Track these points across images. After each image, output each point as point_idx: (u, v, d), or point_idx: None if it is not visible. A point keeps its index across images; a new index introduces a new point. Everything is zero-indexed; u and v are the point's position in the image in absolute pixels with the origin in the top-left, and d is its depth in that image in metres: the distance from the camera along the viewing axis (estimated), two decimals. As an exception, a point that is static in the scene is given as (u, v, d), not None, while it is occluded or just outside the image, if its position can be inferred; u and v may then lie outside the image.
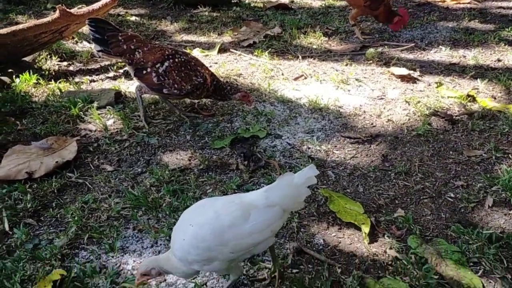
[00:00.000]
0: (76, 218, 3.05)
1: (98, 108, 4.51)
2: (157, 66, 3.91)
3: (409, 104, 4.54)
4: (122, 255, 2.82)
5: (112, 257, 2.81)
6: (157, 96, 4.50)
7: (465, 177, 3.47)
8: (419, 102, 4.54)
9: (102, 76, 5.39)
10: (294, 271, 2.69)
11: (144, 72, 3.93)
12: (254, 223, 2.19)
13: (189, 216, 2.28)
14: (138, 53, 3.93)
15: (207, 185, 3.46)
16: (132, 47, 3.92)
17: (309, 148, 3.91)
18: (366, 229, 2.92)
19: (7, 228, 3.02)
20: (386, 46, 6.02)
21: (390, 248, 2.82)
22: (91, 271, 2.66)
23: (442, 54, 5.74)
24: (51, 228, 3.05)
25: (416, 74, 5.13)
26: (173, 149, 3.92)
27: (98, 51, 3.97)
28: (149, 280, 2.38)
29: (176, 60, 3.97)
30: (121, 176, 3.57)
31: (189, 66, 3.99)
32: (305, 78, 5.22)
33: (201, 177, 3.56)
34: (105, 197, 3.32)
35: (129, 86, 5.03)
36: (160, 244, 2.91)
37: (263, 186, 3.41)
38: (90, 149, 3.92)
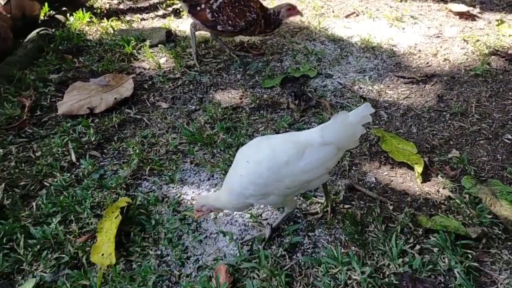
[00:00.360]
0: (137, 151, 3.22)
1: (151, 46, 4.58)
2: (211, 2, 3.89)
3: (467, 43, 4.36)
4: (182, 186, 2.98)
5: (173, 188, 2.97)
6: (208, 34, 4.51)
7: (524, 119, 3.38)
8: (478, 40, 4.35)
9: (151, 15, 5.43)
10: (346, 206, 2.77)
11: (198, 8, 3.93)
12: (308, 161, 2.23)
13: (246, 154, 2.33)
14: (191, -11, 3.92)
15: (258, 123, 3.53)
16: (186, -17, 3.91)
17: (360, 88, 3.87)
18: (419, 168, 2.93)
19: (74, 159, 3.22)
20: (444, -19, 5.70)
21: (444, 188, 2.84)
22: (154, 200, 2.84)
23: (505, -10, 5.39)
24: (115, 160, 3.23)
25: (475, 11, 4.88)
26: (225, 88, 3.98)
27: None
28: (203, 215, 2.50)
29: None
30: (176, 113, 3.68)
31: (243, 2, 3.95)
32: (357, 15, 5.07)
33: (252, 116, 3.63)
34: (163, 133, 3.46)
35: (179, 25, 5.05)
36: (216, 178, 3.04)
37: (314, 125, 3.45)
38: (145, 87, 4.04)
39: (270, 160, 2.22)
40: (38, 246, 2.59)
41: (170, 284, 2.40)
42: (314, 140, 2.26)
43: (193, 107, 3.76)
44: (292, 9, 4.07)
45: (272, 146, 2.27)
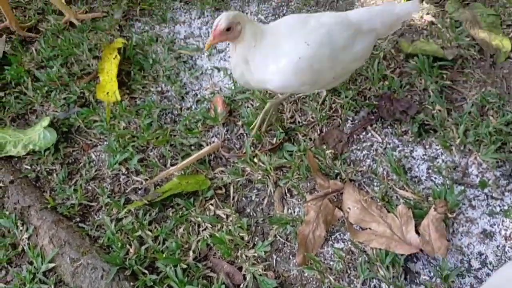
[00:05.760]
0: (125, -9, 3.21)
1: None
2: None
3: None
4: (174, 26, 3.06)
5: (165, 27, 3.06)
6: None
7: None
8: None
9: None
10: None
11: None
12: (360, 47, 2.12)
13: (299, 31, 2.05)
14: None
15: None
16: None
17: None
18: (405, -5, 2.98)
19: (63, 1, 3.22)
20: None
21: (427, 14, 2.94)
22: (149, 40, 2.95)
23: None
24: (104, 1, 3.24)
25: None
26: None
27: None
28: (223, 41, 2.05)
29: None
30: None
31: None
32: None
33: None
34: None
35: None
36: (207, 16, 3.10)
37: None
38: None
39: (330, 44, 2.03)
40: (46, 88, 2.78)
41: (173, 116, 2.66)
42: (363, 24, 2.12)
43: None
44: None
45: (327, 28, 2.05)
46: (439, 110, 2.45)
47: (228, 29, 1.95)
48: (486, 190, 2.19)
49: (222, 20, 1.94)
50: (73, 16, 3.04)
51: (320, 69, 2.05)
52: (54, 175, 2.45)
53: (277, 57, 2.01)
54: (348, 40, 2.07)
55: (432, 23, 2.88)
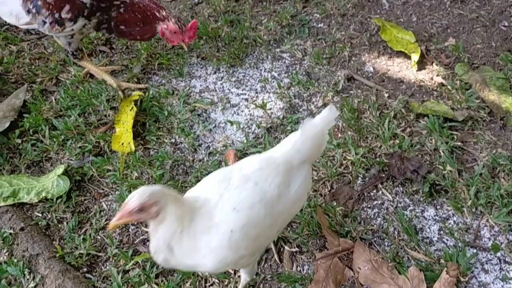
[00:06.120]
0: (145, 46, 3.33)
1: None
2: None
3: None
4: (190, 80, 3.16)
5: (181, 81, 3.15)
6: None
7: (524, 5, 3.42)
8: None
9: None
10: (344, 95, 2.96)
11: None
12: (298, 184, 1.83)
13: (225, 195, 1.71)
14: None
15: (261, 15, 3.59)
16: None
17: (363, -24, 3.84)
18: (415, 57, 3.06)
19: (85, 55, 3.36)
20: None
21: (437, 75, 3.00)
22: (165, 92, 3.04)
23: None
24: (124, 55, 3.36)
25: None
26: (227, -21, 3.96)
27: None
28: (137, 221, 1.66)
29: None
30: (180, 6, 3.72)
31: None
32: None
33: (255, 8, 3.67)
34: (168, 27, 3.54)
35: None
36: (222, 71, 3.20)
37: (316, 16, 3.51)
38: (147, -20, 4.01)
39: (261, 200, 1.71)
40: (62, 137, 2.84)
41: (185, 168, 2.69)
42: (292, 158, 1.84)
43: (196, 0, 3.78)
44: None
45: (254, 179, 1.74)
46: (450, 171, 2.46)
47: (141, 209, 1.56)
48: (499, 254, 2.16)
49: (133, 198, 1.56)
50: (117, 84, 3.04)
51: (258, 233, 1.72)
52: (65, 223, 2.46)
53: (208, 235, 1.65)
54: (281, 186, 1.76)
55: (442, 84, 2.94)
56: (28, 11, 2.65)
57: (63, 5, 2.59)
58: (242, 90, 3.09)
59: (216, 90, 3.10)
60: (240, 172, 1.77)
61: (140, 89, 3.07)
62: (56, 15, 2.62)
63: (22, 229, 2.41)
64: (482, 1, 3.48)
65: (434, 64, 3.07)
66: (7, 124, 2.87)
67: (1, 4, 2.67)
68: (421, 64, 3.08)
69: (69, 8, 2.60)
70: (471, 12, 3.41)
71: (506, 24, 3.29)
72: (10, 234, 2.40)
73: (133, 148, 2.73)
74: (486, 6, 3.44)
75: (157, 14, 2.67)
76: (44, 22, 2.65)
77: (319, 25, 3.47)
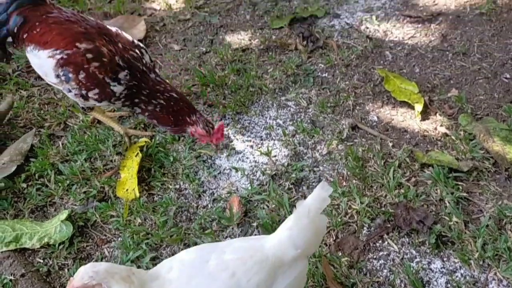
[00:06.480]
0: (152, 94, 3.40)
1: (160, -14, 4.63)
2: None
3: (475, -20, 4.34)
4: (196, 127, 3.19)
5: (187, 128, 3.19)
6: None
7: (525, 58, 3.49)
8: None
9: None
10: (349, 144, 2.98)
11: None
12: (286, 285, 1.60)
13: (193, 282, 1.55)
14: None
15: (267, 65, 3.67)
16: None
17: (367, 28, 3.95)
18: (419, 107, 3.10)
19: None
20: None
21: (441, 126, 3.03)
22: (171, 138, 3.06)
23: None
24: (132, 102, 3.43)
25: None
26: (234, 29, 4.08)
27: None
28: None
29: None
30: (188, 55, 3.82)
31: None
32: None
33: (261, 57, 3.76)
34: (176, 75, 3.63)
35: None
36: (228, 118, 3.24)
37: (321, 66, 3.59)
38: (157, 28, 4.15)
39: None
40: (68, 181, 2.85)
41: (189, 214, 2.68)
42: (284, 254, 1.62)
43: (204, 49, 3.88)
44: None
45: (230, 269, 1.56)
46: (456, 222, 2.44)
47: None
48: (509, 310, 2.10)
49: (77, 276, 1.48)
50: (124, 131, 3.07)
51: None
52: (66, 270, 2.43)
53: None
54: (261, 285, 1.54)
55: (446, 134, 2.96)
56: (57, 76, 2.59)
57: (93, 87, 2.56)
58: (248, 137, 3.12)
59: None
60: (220, 257, 1.59)
61: (146, 136, 3.10)
62: (83, 92, 2.58)
63: (22, 275, 2.38)
64: (484, 54, 3.55)
65: (437, 114, 3.11)
66: (14, 168, 2.89)
67: (35, 56, 2.63)
68: (425, 114, 3.12)
69: (97, 91, 2.56)
70: (473, 64, 3.47)
71: (508, 76, 3.34)
72: (11, 280, 2.37)
73: (138, 195, 2.73)
74: (487, 59, 3.51)
75: (188, 119, 2.67)
76: (70, 91, 2.63)
77: (324, 75, 3.54)
